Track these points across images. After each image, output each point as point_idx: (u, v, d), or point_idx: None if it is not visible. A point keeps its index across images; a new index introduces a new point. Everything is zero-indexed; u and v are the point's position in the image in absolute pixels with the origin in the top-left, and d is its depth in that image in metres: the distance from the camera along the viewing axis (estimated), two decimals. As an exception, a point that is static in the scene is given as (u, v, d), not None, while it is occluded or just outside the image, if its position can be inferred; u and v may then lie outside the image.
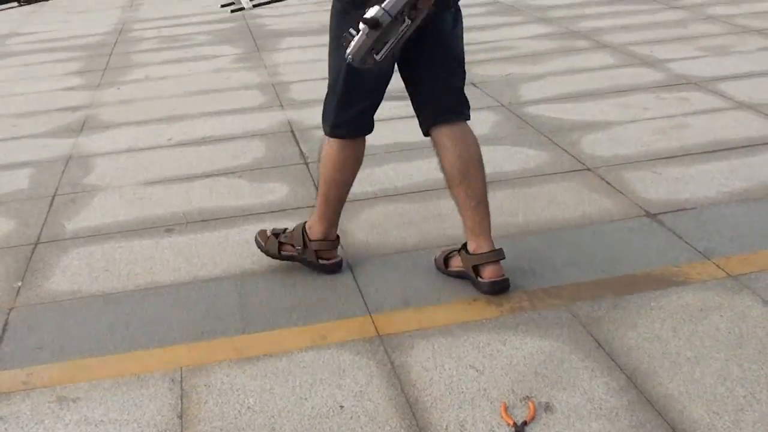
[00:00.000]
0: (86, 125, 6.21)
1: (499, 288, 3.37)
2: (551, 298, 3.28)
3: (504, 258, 3.38)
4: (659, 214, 3.97)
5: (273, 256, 3.78)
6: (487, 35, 8.04)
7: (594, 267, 3.50)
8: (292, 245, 3.74)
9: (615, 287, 3.32)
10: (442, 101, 3.59)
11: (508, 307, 3.25)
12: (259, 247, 3.83)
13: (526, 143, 5.08)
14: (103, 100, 6.87)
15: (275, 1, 9.63)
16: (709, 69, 6.43)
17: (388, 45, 2.93)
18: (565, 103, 5.84)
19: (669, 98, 5.81)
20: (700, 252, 3.56)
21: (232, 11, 9.35)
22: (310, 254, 3.69)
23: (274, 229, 3.85)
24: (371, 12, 2.88)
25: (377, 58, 2.95)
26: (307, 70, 7.25)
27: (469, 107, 3.62)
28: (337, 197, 3.67)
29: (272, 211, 4.16)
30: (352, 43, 2.91)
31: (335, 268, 3.71)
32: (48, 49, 9.11)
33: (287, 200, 4.50)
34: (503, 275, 3.38)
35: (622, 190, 4.29)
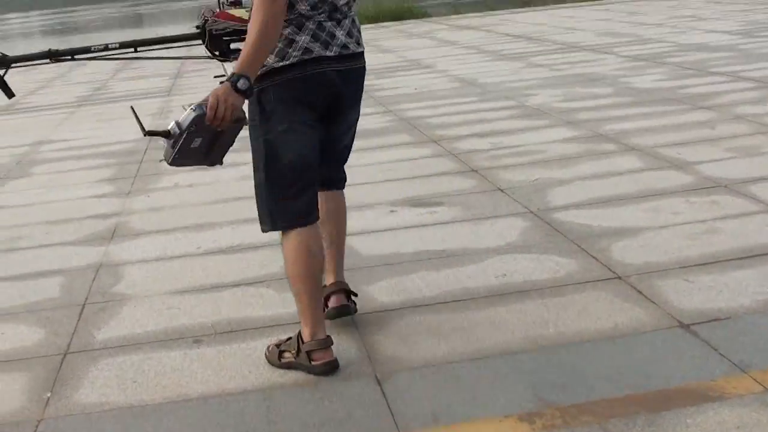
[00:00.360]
0: (117, 233, 6.25)
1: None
2: (584, 415, 3.23)
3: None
4: (693, 324, 3.92)
5: (274, 365, 3.86)
6: (513, 140, 8.07)
7: (627, 381, 3.45)
8: (290, 352, 3.83)
9: (649, 403, 3.27)
10: None
11: (540, 424, 3.20)
12: (266, 357, 3.93)
13: (556, 251, 5.06)
14: (133, 208, 6.93)
15: None
16: (738, 171, 6.41)
17: (179, 150, 3.60)
18: (594, 208, 5.82)
19: (699, 202, 5.78)
20: (735, 365, 3.51)
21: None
22: (303, 358, 3.78)
23: (278, 339, 3.97)
24: (169, 124, 3.57)
25: (171, 160, 3.66)
26: (336, 176, 7.28)
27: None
28: (307, 293, 3.79)
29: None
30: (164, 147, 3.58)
31: (328, 369, 3.75)
32: (79, 157, 9.23)
33: (316, 310, 4.48)
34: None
35: (654, 299, 4.25)
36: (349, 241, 5.31)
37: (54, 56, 8.28)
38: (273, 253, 5.39)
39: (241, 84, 3.49)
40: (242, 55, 3.56)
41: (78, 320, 4.65)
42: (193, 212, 6.61)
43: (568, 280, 4.58)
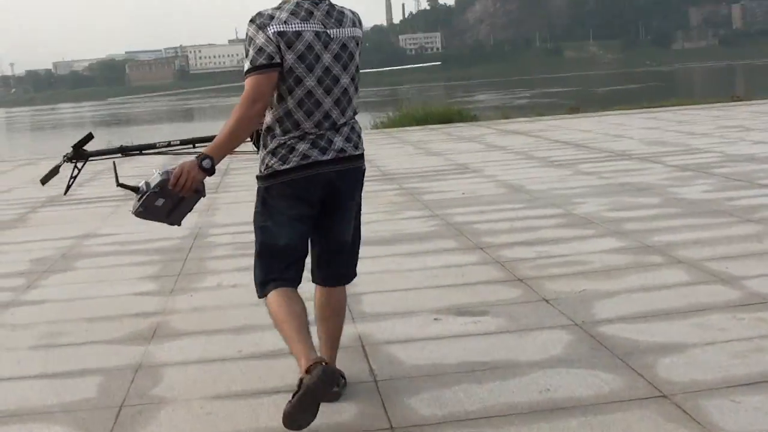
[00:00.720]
0: (157, 333, 6.23)
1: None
2: None
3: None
4: (739, 448, 3.81)
5: None
6: (559, 249, 8.00)
7: None
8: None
9: None
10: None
11: None
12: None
13: (601, 366, 4.96)
14: (175, 307, 6.91)
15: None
16: (787, 287, 6.30)
17: (144, 205, 4.42)
18: (640, 322, 5.73)
19: (747, 318, 5.67)
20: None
21: None
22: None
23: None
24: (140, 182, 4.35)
25: (136, 212, 4.51)
26: (378, 281, 7.24)
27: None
28: (293, 330, 4.36)
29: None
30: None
31: (318, 372, 4.02)
32: (124, 252, 9.27)
33: (354, 421, 4.42)
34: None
35: (700, 420, 4.14)
36: (392, 349, 5.29)
37: (124, 151, 8.44)
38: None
39: (206, 163, 4.22)
40: (215, 141, 4.32)
41: (114, 423, 4.61)
42: (236, 314, 6.58)
43: (613, 398, 4.48)
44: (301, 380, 4.04)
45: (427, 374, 4.96)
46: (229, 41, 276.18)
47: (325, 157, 4.36)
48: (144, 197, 4.38)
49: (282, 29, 4.24)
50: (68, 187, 8.56)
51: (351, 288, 6.92)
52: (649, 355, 5.08)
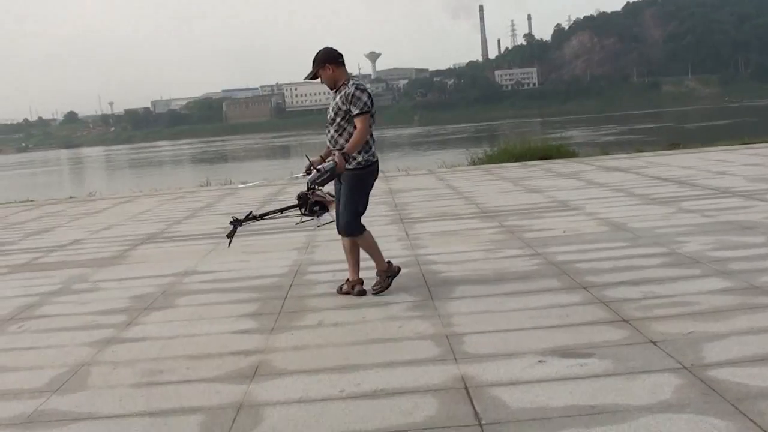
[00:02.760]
0: (259, 371, 6.19)
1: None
2: None
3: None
4: None
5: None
6: (664, 289, 7.79)
7: None
8: (382, 284, 8.53)
9: None
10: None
11: None
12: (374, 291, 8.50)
13: (712, 412, 4.77)
14: (276, 346, 6.87)
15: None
16: None
17: (321, 180, 7.87)
18: (751, 366, 5.51)
19: None
20: None
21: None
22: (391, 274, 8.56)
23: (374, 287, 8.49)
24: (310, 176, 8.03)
25: (312, 183, 8.01)
26: (480, 321, 7.12)
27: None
28: (375, 248, 8.53)
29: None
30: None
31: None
32: (224, 290, 9.28)
33: (460, 467, 4.30)
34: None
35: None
36: (496, 392, 5.17)
37: (259, 217, 8.72)
38: (417, 401, 5.24)
39: (348, 158, 7.97)
40: (349, 146, 7.97)
41: (217, 464, 4.55)
42: (337, 353, 6.51)
43: (727, 447, 4.28)
44: (389, 264, 8.54)
45: (533, 418, 4.82)
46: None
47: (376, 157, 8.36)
48: (324, 176, 7.86)
49: (371, 96, 8.31)
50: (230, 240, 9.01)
51: (452, 328, 6.89)
52: (761, 401, 4.88)
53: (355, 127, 7.98)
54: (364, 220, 8.39)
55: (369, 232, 8.34)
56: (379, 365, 6.08)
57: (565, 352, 6.09)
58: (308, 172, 8.11)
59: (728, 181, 16.27)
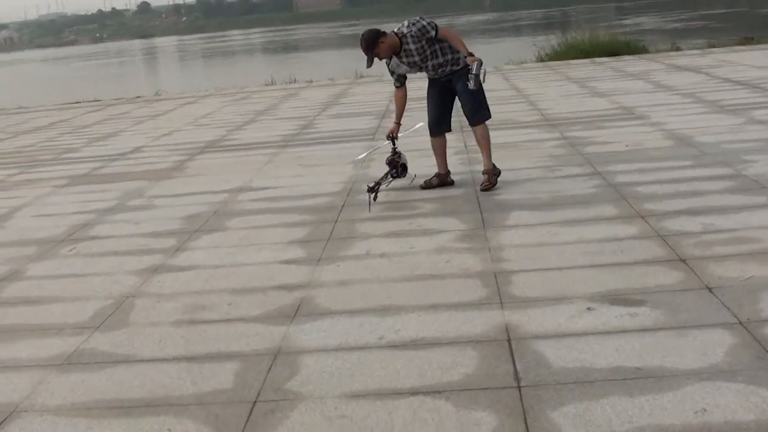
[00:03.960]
0: (300, 310, 6.08)
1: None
2: None
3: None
4: None
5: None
6: (727, 221, 7.42)
7: None
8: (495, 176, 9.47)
9: None
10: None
11: None
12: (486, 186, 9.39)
13: (765, 383, 4.44)
14: (321, 279, 6.74)
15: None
16: None
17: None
18: (815, 322, 5.21)
19: None
20: None
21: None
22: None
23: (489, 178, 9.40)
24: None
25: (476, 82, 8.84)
26: (531, 256, 6.90)
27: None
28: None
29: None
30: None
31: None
32: (276, 210, 9.16)
33: (493, 436, 4.15)
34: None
35: None
36: (540, 346, 5.00)
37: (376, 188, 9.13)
38: (457, 355, 5.08)
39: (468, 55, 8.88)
40: (464, 49, 8.91)
41: (246, 423, 4.47)
42: (381, 290, 6.35)
43: (778, 424, 4.03)
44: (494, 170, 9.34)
45: (574, 381, 4.61)
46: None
47: None
48: (481, 76, 8.80)
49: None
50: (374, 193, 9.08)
51: (500, 264, 6.69)
52: (824, 367, 4.58)
53: (444, 41, 8.94)
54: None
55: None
56: (422, 308, 5.92)
57: (616, 298, 5.85)
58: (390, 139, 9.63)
59: (805, 85, 15.67)
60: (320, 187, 10.16)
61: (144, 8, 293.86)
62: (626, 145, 11.18)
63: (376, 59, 8.94)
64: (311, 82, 27.30)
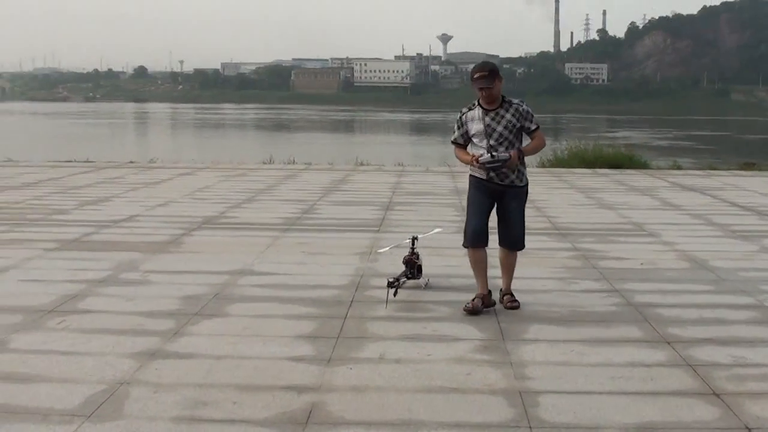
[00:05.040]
0: (312, 417, 5.62)
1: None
2: None
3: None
4: None
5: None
6: (756, 355, 7.09)
7: None
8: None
9: None
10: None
11: None
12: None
13: None
14: (333, 383, 6.28)
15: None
16: None
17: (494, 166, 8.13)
18: None
19: None
20: None
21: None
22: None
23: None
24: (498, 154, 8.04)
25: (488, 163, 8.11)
26: (557, 376, 6.49)
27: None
28: None
29: None
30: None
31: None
32: (281, 299, 8.72)
33: None
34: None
35: None
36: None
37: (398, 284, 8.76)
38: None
39: (521, 155, 8.16)
40: (529, 147, 8.29)
41: None
42: (399, 402, 5.90)
43: None
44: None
45: None
46: (395, 57, 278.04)
47: None
48: (496, 163, 8.03)
49: None
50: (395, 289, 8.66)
51: (526, 382, 6.27)
52: None
53: (520, 143, 8.26)
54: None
55: None
56: (445, 426, 5.49)
57: (654, 432, 5.44)
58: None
59: (814, 217, 15.44)
60: (326, 278, 9.74)
61: (140, 72, 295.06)
62: (641, 263, 10.84)
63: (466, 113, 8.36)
64: (310, 164, 27.02)
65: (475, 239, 8.39)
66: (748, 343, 7.42)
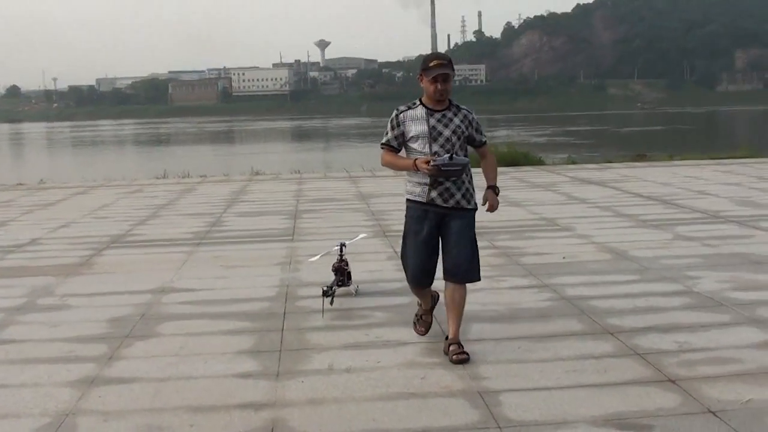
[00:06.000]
0: (276, 436, 5.43)
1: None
2: None
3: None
4: None
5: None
6: (699, 339, 7.20)
7: None
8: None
9: None
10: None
11: None
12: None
13: None
14: (288, 398, 6.09)
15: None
16: None
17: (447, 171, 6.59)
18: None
19: None
20: None
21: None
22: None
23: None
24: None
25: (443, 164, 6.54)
26: (511, 374, 6.45)
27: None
28: None
29: None
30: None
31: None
32: (211, 315, 8.47)
33: None
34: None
35: None
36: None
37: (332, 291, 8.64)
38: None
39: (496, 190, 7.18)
40: (494, 177, 7.20)
41: None
42: (361, 411, 5.76)
43: None
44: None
45: None
46: (273, 65, 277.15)
47: None
48: (455, 168, 6.56)
49: None
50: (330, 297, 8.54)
51: (482, 382, 6.20)
52: None
53: (465, 154, 6.88)
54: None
55: None
56: (413, 432, 5.36)
57: (622, 423, 5.43)
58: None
59: (713, 203, 15.83)
60: (252, 290, 9.52)
61: (13, 92, 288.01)
62: (563, 257, 10.89)
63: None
64: (205, 176, 26.62)
65: (417, 284, 7.14)
66: (688, 329, 7.50)
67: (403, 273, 7.27)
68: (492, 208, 7.07)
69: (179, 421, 5.73)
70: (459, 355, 6.73)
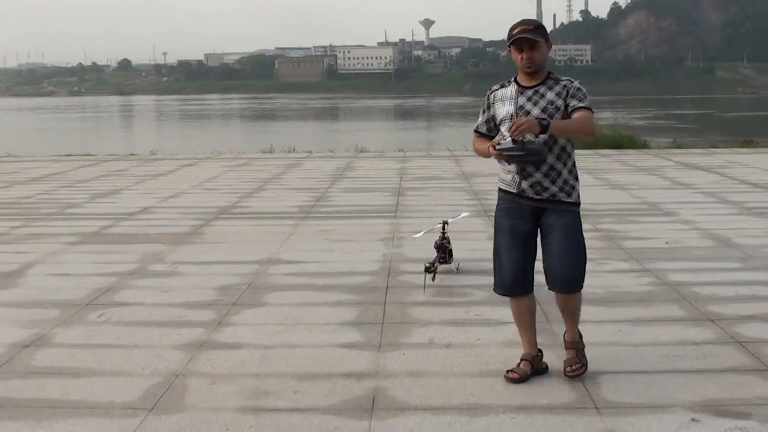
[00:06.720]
0: (377, 403, 5.61)
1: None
2: None
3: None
4: None
5: None
6: None
7: None
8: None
9: None
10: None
11: None
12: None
13: None
14: (389, 369, 6.26)
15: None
16: None
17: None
18: None
19: None
20: None
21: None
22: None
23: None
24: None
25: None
26: (611, 357, 6.50)
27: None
28: None
29: None
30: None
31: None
32: (316, 287, 8.69)
33: None
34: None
35: None
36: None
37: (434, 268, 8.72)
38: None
39: (544, 122, 5.46)
40: (564, 123, 5.63)
41: None
42: (460, 386, 5.90)
43: None
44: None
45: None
46: (378, 43, 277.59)
47: None
48: (527, 157, 5.59)
49: None
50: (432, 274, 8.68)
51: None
52: None
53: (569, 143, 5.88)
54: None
55: None
56: (511, 409, 5.48)
57: (719, 410, 5.45)
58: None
59: (824, 193, 15.49)
60: (356, 264, 9.72)
61: (124, 65, 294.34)
62: (666, 242, 10.84)
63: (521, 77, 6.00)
64: (311, 152, 26.98)
65: (510, 290, 6.17)
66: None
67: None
68: (517, 123, 5.44)
69: (284, 386, 5.93)
70: (573, 370, 6.00)
